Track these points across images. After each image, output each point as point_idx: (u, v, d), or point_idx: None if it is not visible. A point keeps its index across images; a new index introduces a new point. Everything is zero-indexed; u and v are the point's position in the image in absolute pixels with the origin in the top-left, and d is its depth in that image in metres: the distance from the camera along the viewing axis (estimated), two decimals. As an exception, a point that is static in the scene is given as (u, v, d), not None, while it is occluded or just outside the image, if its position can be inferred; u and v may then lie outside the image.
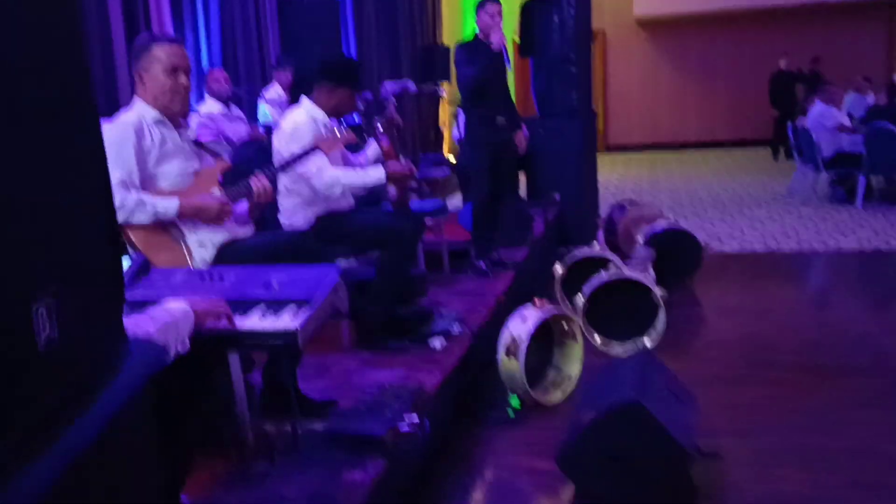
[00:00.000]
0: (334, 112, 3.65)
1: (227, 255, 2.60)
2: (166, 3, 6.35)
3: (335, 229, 3.51)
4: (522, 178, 7.79)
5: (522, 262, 5.19)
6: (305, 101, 3.63)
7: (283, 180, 3.51)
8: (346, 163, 3.84)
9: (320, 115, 3.59)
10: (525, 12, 7.54)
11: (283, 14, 8.08)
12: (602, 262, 4.83)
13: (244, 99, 6.03)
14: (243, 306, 1.81)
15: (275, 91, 6.68)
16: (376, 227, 3.48)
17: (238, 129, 4.94)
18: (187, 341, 1.56)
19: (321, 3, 8.36)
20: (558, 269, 4.90)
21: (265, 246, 2.66)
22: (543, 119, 7.71)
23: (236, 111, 5.59)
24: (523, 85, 12.46)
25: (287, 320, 1.72)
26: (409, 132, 10.04)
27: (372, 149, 3.89)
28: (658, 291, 4.29)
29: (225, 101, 5.46)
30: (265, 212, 2.87)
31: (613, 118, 17.00)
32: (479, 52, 4.75)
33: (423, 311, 3.69)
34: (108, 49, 5.59)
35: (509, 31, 7.07)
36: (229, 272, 1.98)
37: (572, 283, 4.77)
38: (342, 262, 3.50)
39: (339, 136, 3.62)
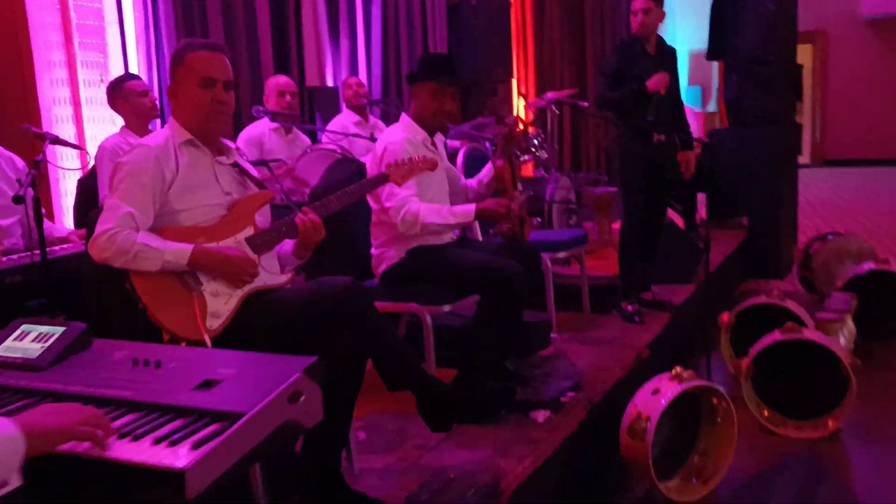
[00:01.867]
0: (436, 121, 3.09)
1: (251, 309, 2.12)
2: (322, 9, 6.12)
3: (428, 268, 2.95)
4: (703, 198, 6.85)
5: (683, 304, 4.36)
6: (404, 118, 3.10)
7: (373, 205, 3.00)
8: (454, 188, 3.28)
9: (420, 134, 3.04)
10: (716, 8, 6.58)
11: (454, 19, 7.67)
12: (782, 312, 3.92)
13: (391, 111, 5.63)
14: (152, 418, 1.29)
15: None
16: (475, 266, 2.88)
17: (365, 145, 4.52)
18: (15, 475, 1.09)
19: (492, 6, 7.86)
20: (725, 317, 4.04)
21: (299, 301, 2.15)
22: (732, 129, 6.71)
23: (376, 123, 5.18)
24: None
25: (183, 453, 1.18)
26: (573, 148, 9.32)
27: (486, 171, 3.29)
28: (850, 360, 3.34)
29: (362, 112, 5.07)
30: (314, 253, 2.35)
31: (833, 129, 15.10)
32: (632, 54, 4.01)
33: (521, 375, 3.05)
34: (255, 58, 5.41)
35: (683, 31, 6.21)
36: (176, 358, 1.48)
37: (747, 334, 3.90)
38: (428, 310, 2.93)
39: (439, 157, 3.07)
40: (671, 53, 4.16)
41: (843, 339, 4.11)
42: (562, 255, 4.01)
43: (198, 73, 2.20)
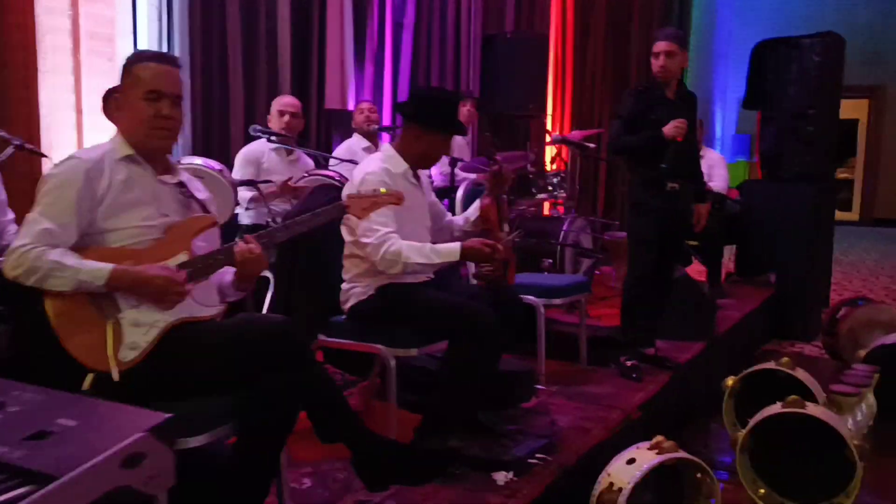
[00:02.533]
0: (420, 161, 2.92)
1: (173, 342, 1.96)
2: (350, 31, 6.03)
3: (397, 307, 2.76)
4: (729, 251, 6.56)
5: (688, 363, 4.09)
6: (386, 148, 2.94)
7: (346, 237, 2.83)
8: (438, 223, 3.10)
9: (401, 165, 2.87)
10: (757, 56, 6.33)
11: (488, 51, 7.54)
12: (791, 381, 3.64)
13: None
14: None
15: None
16: (444, 309, 2.68)
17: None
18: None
19: (528, 40, 7.71)
20: (729, 381, 3.76)
21: (224, 339, 1.98)
22: (767, 182, 6.43)
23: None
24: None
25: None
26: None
27: (473, 209, 3.10)
28: (857, 442, 3.06)
29: (372, 138, 4.94)
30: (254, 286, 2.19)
31: (885, 187, 14.59)
32: (650, 98, 3.81)
33: (492, 429, 2.84)
34: (273, 77, 5.33)
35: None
36: (24, 400, 1.31)
37: (755, 401, 3.62)
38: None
39: (421, 191, 2.90)
40: (691, 100, 3.95)
41: (860, 415, 3.80)
42: (557, 301, 3.78)
43: (143, 84, 2.08)
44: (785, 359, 3.71)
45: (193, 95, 4.75)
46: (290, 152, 4.25)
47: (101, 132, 4.19)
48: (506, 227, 3.08)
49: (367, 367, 3.24)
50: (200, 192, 2.26)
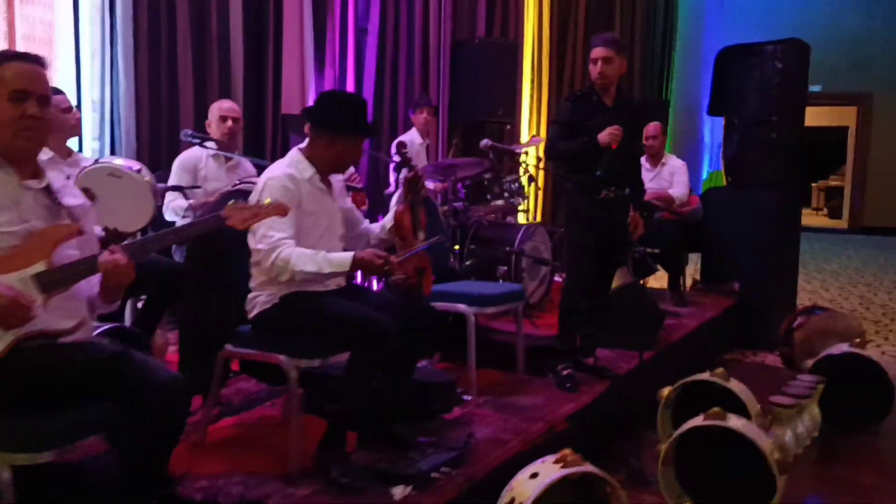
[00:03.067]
0: (330, 167, 2.86)
1: (24, 355, 1.90)
2: (309, 35, 5.98)
3: (300, 316, 2.70)
4: (693, 258, 6.50)
5: (629, 372, 4.02)
6: (293, 153, 2.87)
7: (250, 244, 2.77)
8: (353, 231, 3.04)
9: (307, 171, 2.81)
10: (720, 62, 6.28)
11: (456, 56, 7.49)
12: (726, 394, 3.57)
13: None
14: None
15: (409, 136, 6.06)
16: (343, 318, 2.62)
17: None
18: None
19: (499, 47, 7.67)
20: (665, 392, 3.70)
21: (66, 357, 1.92)
22: (731, 190, 6.37)
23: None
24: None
25: None
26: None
27: (390, 215, 3.04)
28: (778, 456, 2.99)
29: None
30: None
31: (873, 195, 14.51)
32: (588, 105, 3.75)
33: (405, 441, 2.77)
34: (226, 82, 5.29)
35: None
36: None
37: (693, 413, 3.56)
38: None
39: (331, 197, 2.85)
40: (632, 106, 3.90)
41: (801, 427, 3.74)
42: (490, 310, 3.72)
43: (7, 84, 2.02)
44: (719, 369, 3.65)
45: (139, 99, 4.71)
46: (228, 159, 4.19)
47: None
48: (420, 235, 3.02)
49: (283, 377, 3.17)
50: (74, 198, 2.20)
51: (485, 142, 5.03)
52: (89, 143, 4.52)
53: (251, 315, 2.79)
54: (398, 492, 2.51)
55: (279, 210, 2.30)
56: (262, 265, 2.66)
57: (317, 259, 2.65)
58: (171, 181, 4.00)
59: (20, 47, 4.16)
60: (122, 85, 4.60)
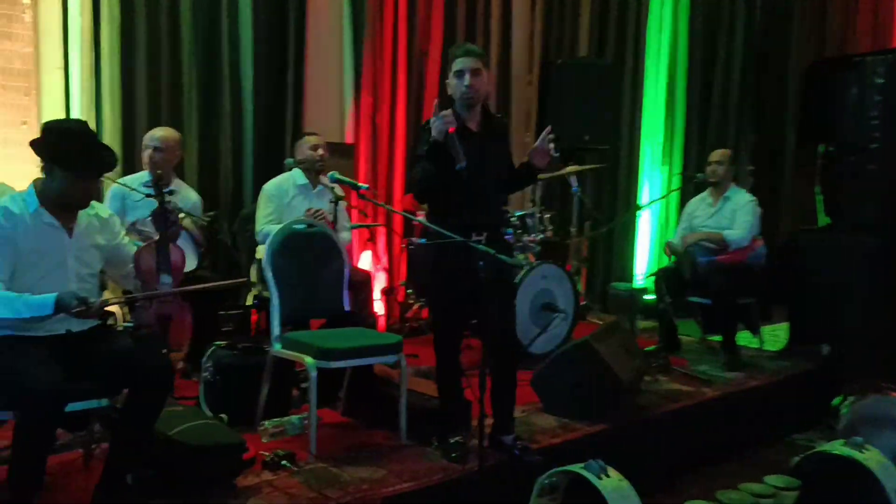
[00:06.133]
0: (55, 203, 2.62)
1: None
2: (348, 58, 5.81)
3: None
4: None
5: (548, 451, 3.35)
6: (31, 184, 2.67)
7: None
8: (122, 269, 2.80)
9: (31, 205, 2.60)
10: (809, 80, 5.18)
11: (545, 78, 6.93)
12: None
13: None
14: None
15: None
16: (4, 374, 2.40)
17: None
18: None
19: (596, 67, 6.96)
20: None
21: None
22: (825, 232, 5.22)
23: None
24: None
25: None
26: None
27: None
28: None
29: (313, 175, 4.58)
30: None
31: None
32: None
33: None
34: (237, 112, 5.28)
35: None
36: None
37: None
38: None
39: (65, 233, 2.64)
40: (500, 129, 3.35)
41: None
42: (338, 364, 3.27)
43: None
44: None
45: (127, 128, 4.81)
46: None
47: (20, 163, 4.37)
48: (167, 279, 2.70)
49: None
50: None
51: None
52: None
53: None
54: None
55: None
56: None
57: (16, 304, 2.45)
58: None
59: (-1, 80, 4.45)
60: (108, 113, 4.74)
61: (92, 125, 4.61)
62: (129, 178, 4.15)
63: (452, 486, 3.07)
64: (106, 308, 2.45)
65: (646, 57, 7.76)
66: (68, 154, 2.55)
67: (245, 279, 3.43)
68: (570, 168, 5.46)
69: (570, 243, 5.66)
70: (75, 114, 4.68)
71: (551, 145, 3.23)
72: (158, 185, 2.93)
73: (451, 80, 3.16)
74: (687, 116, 8.05)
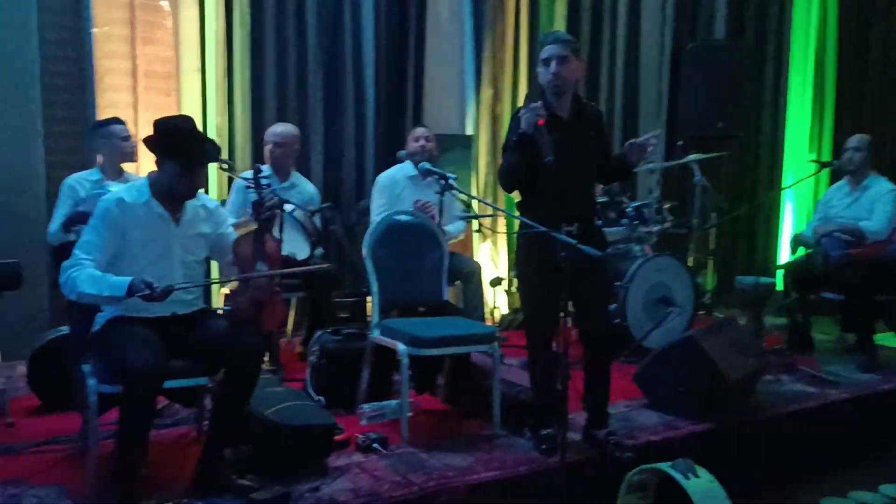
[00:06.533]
0: (165, 194, 2.84)
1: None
2: (469, 46, 5.88)
3: (100, 340, 2.78)
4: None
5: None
6: (147, 176, 2.91)
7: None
8: (226, 257, 2.99)
9: (143, 196, 2.83)
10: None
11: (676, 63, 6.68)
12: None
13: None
14: None
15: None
16: (114, 351, 2.63)
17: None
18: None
19: (730, 49, 6.63)
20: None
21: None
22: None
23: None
24: None
25: None
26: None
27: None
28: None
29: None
30: None
31: None
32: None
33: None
34: (361, 108, 5.47)
35: None
36: None
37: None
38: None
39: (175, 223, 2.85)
40: (593, 117, 3.27)
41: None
42: (430, 351, 3.33)
43: None
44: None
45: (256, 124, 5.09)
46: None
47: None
48: (263, 266, 2.85)
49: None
50: None
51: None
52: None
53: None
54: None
55: None
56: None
57: (101, 282, 2.67)
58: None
59: (142, 83, 4.84)
60: (239, 112, 5.05)
61: (225, 123, 5.00)
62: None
63: (537, 479, 3.06)
64: (175, 291, 2.64)
65: (791, 38, 7.34)
66: (175, 148, 2.76)
67: (328, 265, 3.56)
68: (691, 156, 5.25)
69: (693, 235, 5.43)
70: (210, 112, 5.03)
71: (650, 147, 3.18)
72: (257, 179, 3.11)
73: (540, 69, 3.15)
74: (837, 103, 7.53)
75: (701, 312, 5.21)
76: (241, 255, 2.85)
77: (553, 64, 3.09)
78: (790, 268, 4.87)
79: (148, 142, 2.83)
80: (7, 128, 4.44)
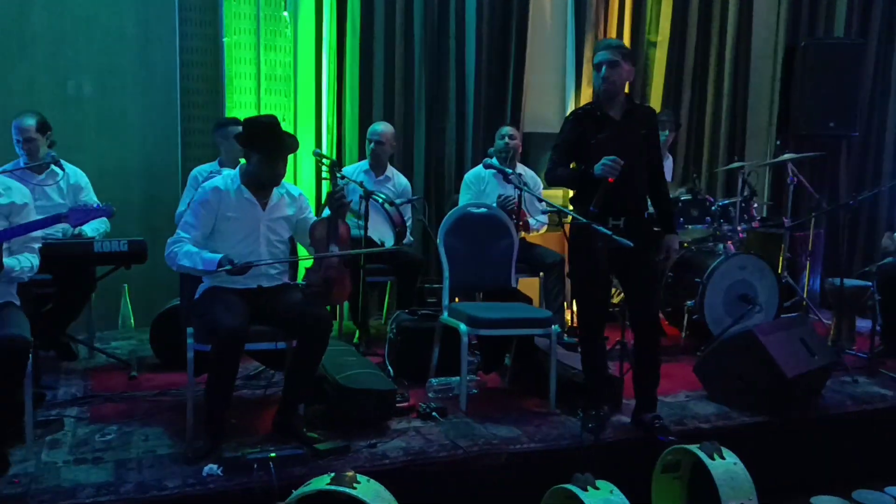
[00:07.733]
0: (253, 181, 3.29)
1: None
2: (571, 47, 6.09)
3: (196, 308, 3.27)
4: None
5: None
6: (241, 166, 3.37)
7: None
8: (308, 238, 3.42)
9: (235, 183, 3.29)
10: None
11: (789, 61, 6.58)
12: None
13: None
14: None
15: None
16: (206, 315, 3.12)
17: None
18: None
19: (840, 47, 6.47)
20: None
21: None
22: None
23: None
24: None
25: None
26: None
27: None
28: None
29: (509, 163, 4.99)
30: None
31: None
32: (587, 121, 3.37)
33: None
34: (462, 108, 5.82)
35: None
36: None
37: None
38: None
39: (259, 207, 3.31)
40: (644, 117, 3.41)
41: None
42: (487, 332, 3.63)
43: None
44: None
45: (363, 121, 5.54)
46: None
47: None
48: (335, 248, 3.25)
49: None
50: None
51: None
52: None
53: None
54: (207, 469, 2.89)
55: None
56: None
57: (195, 257, 3.15)
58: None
59: (263, 85, 5.41)
60: (349, 111, 5.52)
61: (334, 121, 5.48)
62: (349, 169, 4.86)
63: (576, 453, 3.29)
64: (254, 266, 3.10)
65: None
66: (259, 142, 3.22)
67: (393, 246, 3.96)
68: (786, 156, 5.24)
69: (787, 235, 5.41)
70: (325, 112, 5.53)
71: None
72: (333, 172, 3.51)
73: (593, 74, 3.38)
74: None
75: (792, 314, 5.19)
76: (317, 238, 3.28)
77: (604, 69, 3.32)
78: (879, 269, 4.79)
79: (238, 137, 3.30)
80: (154, 127, 5.14)
